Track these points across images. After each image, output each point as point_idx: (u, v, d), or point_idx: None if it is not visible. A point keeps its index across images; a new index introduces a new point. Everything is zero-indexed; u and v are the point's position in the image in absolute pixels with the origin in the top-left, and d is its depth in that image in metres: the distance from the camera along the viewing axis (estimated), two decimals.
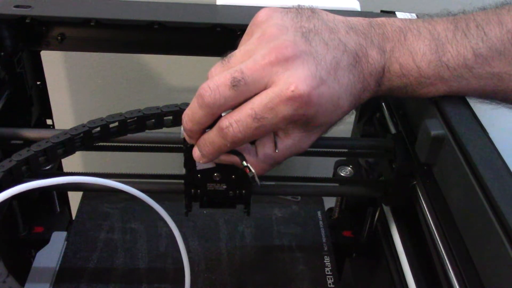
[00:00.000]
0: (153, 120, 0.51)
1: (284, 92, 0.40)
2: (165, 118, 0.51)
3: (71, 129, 0.49)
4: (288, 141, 0.45)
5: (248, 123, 0.41)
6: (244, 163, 0.46)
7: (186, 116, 0.44)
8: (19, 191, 0.43)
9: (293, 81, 0.40)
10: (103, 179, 0.48)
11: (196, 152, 0.47)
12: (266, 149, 0.46)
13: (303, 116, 0.42)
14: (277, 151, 0.45)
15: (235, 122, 0.41)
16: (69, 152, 0.50)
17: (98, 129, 0.50)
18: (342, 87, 0.44)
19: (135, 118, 0.50)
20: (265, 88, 0.41)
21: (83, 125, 0.49)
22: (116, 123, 0.50)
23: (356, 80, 0.45)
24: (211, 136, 0.44)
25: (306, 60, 0.41)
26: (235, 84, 0.40)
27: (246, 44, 0.44)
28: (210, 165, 0.51)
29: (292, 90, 0.40)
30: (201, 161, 0.47)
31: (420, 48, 0.46)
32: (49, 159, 0.49)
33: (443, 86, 0.47)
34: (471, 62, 0.46)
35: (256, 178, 0.47)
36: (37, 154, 0.47)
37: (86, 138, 0.50)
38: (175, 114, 0.50)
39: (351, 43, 0.45)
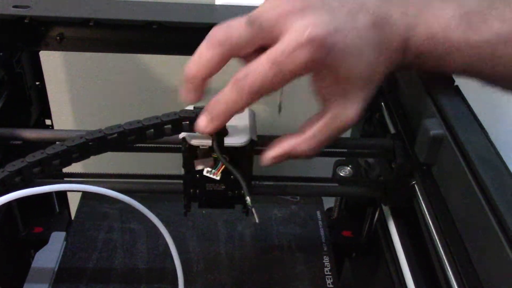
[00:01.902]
0: (152, 130, 0.50)
1: (300, 36, 0.39)
2: (165, 126, 0.50)
3: (67, 140, 0.48)
4: (333, 111, 0.45)
5: (266, 71, 0.40)
6: (248, 198, 0.47)
7: (191, 61, 0.42)
8: (10, 199, 0.43)
9: (309, 25, 0.40)
10: (95, 187, 0.47)
11: (202, 121, 0.44)
12: (313, 125, 0.45)
13: (321, 62, 0.41)
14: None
15: (252, 71, 0.41)
16: (64, 164, 0.49)
17: (96, 140, 0.49)
18: (361, 40, 0.42)
19: (135, 130, 0.49)
20: (280, 37, 0.41)
21: (81, 136, 0.48)
22: (115, 135, 0.49)
23: (377, 40, 0.43)
24: (225, 92, 0.42)
25: (322, 10, 0.41)
26: (250, 21, 0.40)
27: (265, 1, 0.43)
28: (215, 177, 0.51)
29: (307, 34, 0.39)
30: (207, 129, 0.44)
31: (446, 11, 0.45)
32: (44, 171, 0.48)
33: (470, 52, 0.46)
34: (497, 28, 0.44)
35: (255, 215, 0.48)
36: (32, 165, 0.47)
37: (83, 150, 0.49)
38: (174, 123, 0.50)
39: (369, 3, 0.44)
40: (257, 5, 0.66)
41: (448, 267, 0.45)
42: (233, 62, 0.89)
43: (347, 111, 0.45)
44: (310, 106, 1.02)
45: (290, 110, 1.00)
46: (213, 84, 0.97)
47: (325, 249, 0.67)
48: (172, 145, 0.56)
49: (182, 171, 0.54)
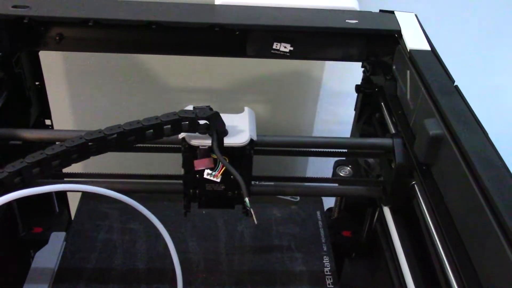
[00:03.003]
0: (152, 130, 0.50)
1: None
2: (164, 127, 0.50)
3: (67, 141, 0.48)
4: None
5: None
6: (247, 200, 0.48)
7: None
8: (10, 199, 0.43)
9: None
10: (95, 187, 0.46)
11: None
12: None
13: None
14: None
15: None
16: (64, 164, 0.48)
17: (96, 141, 0.48)
18: None
19: (134, 130, 0.49)
20: None
21: (80, 137, 0.48)
22: (115, 135, 0.48)
23: None
24: None
25: None
26: None
27: None
28: (216, 180, 0.51)
29: None
30: None
31: None
32: (44, 171, 0.48)
33: None
34: None
35: (253, 216, 0.48)
36: (31, 165, 0.46)
37: (83, 151, 0.48)
38: (174, 123, 0.50)
39: None
40: (256, 5, 0.66)
41: (448, 267, 0.45)
42: (234, 62, 0.90)
43: None
44: (307, 106, 1.02)
45: (289, 110, 1.00)
46: (213, 84, 0.97)
47: (325, 249, 0.67)
48: (172, 145, 0.56)
49: (182, 171, 0.54)
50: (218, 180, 0.51)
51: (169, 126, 0.49)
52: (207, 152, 0.51)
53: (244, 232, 0.68)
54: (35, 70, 0.67)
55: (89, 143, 0.48)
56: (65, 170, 0.69)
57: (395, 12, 0.66)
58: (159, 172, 0.57)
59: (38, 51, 0.67)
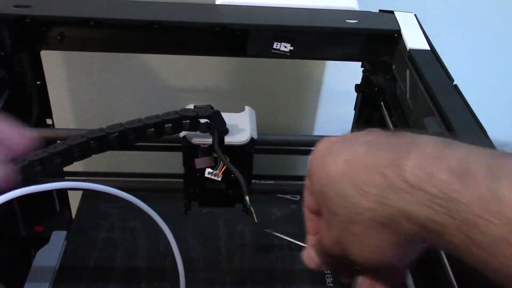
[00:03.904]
0: (153, 129, 0.50)
1: None
2: (165, 126, 0.50)
3: (69, 139, 0.48)
4: None
5: None
6: (247, 198, 0.48)
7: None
8: (11, 197, 0.43)
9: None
10: (97, 184, 0.47)
11: None
12: None
13: None
14: None
15: None
16: (66, 162, 0.49)
17: (97, 139, 0.48)
18: None
19: (136, 129, 0.49)
20: None
21: (82, 135, 0.48)
22: (116, 134, 0.49)
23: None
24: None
25: None
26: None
27: None
28: (217, 179, 0.52)
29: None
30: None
31: None
32: (45, 169, 0.48)
33: None
34: None
35: (254, 214, 0.49)
36: (33, 163, 0.47)
37: (85, 149, 0.49)
38: (175, 122, 0.50)
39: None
40: (256, 5, 0.66)
41: (448, 266, 0.45)
42: (235, 61, 0.89)
43: None
44: (308, 105, 1.02)
45: (290, 109, 1.00)
46: (214, 84, 0.97)
47: None
48: (173, 144, 0.56)
49: (182, 170, 0.54)
50: (219, 178, 0.52)
51: (170, 124, 0.50)
52: (207, 150, 0.51)
53: (244, 231, 0.68)
54: (36, 69, 0.68)
55: (91, 142, 0.48)
56: (66, 168, 0.69)
57: (394, 12, 0.66)
58: (159, 170, 0.58)
59: (40, 50, 0.67)
